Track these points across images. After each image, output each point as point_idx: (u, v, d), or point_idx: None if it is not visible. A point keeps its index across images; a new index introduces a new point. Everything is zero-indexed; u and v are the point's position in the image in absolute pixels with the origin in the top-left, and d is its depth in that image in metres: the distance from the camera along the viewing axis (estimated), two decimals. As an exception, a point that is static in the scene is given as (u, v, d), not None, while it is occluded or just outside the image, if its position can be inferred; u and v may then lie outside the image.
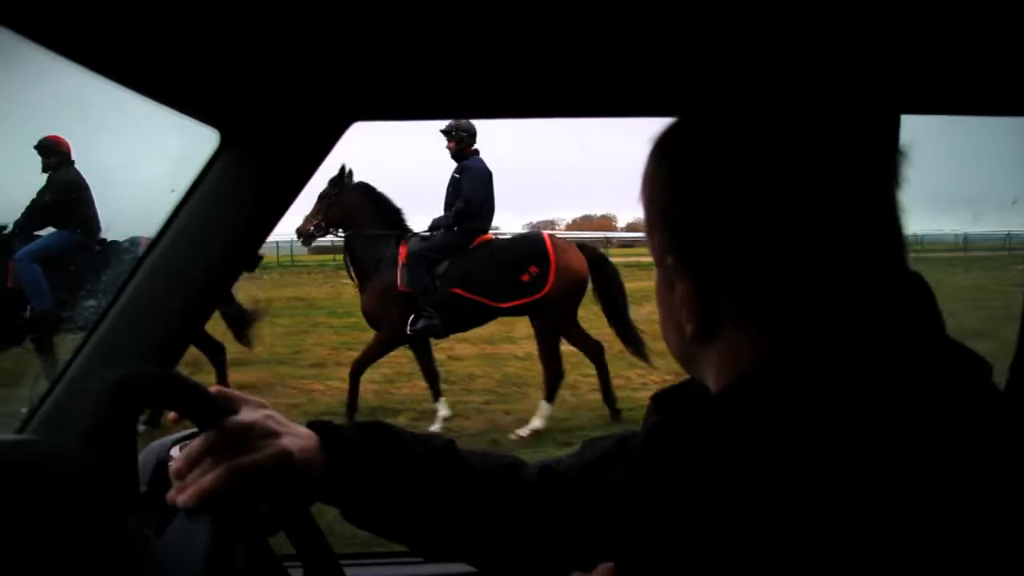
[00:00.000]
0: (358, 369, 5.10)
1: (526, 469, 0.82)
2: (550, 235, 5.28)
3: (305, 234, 5.44)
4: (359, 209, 5.29)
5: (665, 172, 0.58)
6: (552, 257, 4.89)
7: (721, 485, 0.47)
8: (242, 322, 5.47)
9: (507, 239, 5.44)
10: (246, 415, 0.69)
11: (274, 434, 0.70)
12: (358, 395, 5.07)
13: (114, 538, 0.52)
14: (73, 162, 5.34)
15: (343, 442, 0.73)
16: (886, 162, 0.55)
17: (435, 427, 4.86)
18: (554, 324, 5.00)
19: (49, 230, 5.21)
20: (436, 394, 5.13)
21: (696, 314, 0.56)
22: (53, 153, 5.27)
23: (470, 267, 4.97)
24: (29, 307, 4.96)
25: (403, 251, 5.07)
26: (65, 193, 5.22)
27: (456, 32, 0.71)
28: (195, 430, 0.89)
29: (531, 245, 5.03)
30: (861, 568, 0.42)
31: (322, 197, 5.36)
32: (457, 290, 4.93)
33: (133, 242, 5.17)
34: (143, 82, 0.77)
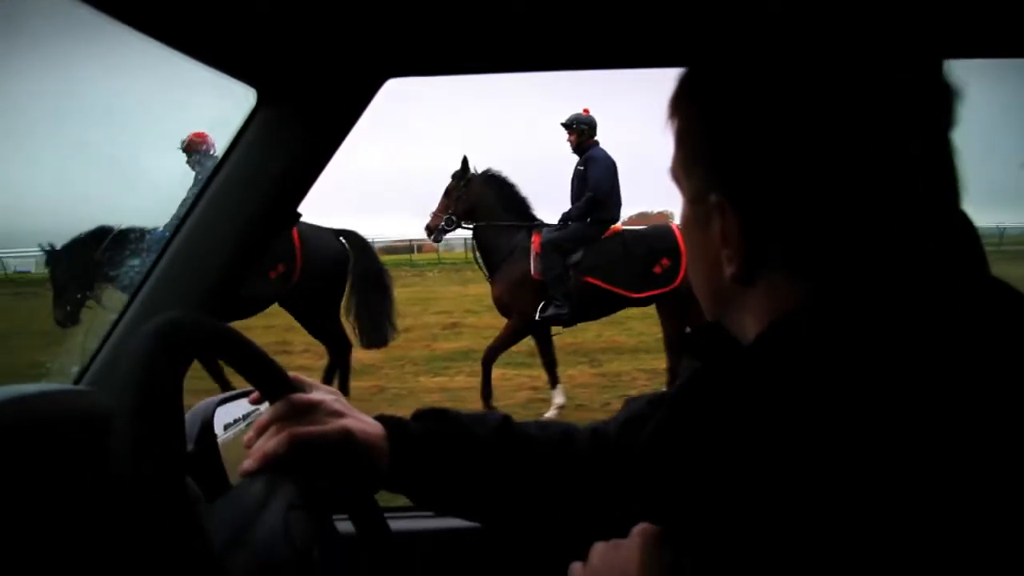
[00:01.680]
0: (490, 357, 5.18)
1: (580, 434, 0.82)
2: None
3: (436, 230, 5.51)
4: (488, 200, 5.35)
5: (709, 106, 0.55)
6: (683, 250, 4.91)
7: (768, 431, 0.46)
8: (379, 320, 5.44)
9: (638, 230, 5.52)
10: (315, 395, 0.72)
11: (339, 414, 0.72)
12: (490, 383, 5.13)
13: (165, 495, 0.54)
14: (216, 156, 5.36)
15: (408, 434, 0.75)
16: (938, 99, 0.52)
17: (550, 414, 4.94)
18: (682, 315, 5.05)
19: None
20: (554, 381, 5.23)
21: (740, 253, 0.54)
22: (197, 151, 5.21)
23: (603, 257, 5.07)
24: None
25: (536, 241, 5.15)
26: None
27: None
28: (239, 390, 0.92)
29: (663, 238, 5.08)
30: (907, 514, 0.41)
31: (448, 192, 5.44)
32: (590, 279, 5.03)
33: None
34: (182, 40, 0.78)
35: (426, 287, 15.37)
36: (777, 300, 0.53)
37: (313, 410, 0.71)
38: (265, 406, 0.89)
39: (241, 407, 0.94)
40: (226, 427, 0.91)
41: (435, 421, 0.77)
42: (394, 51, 0.89)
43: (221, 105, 0.92)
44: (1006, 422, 0.42)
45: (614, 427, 0.82)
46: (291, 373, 0.74)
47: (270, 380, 0.72)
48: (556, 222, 5.28)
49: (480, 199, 5.36)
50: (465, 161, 5.41)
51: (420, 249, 25.07)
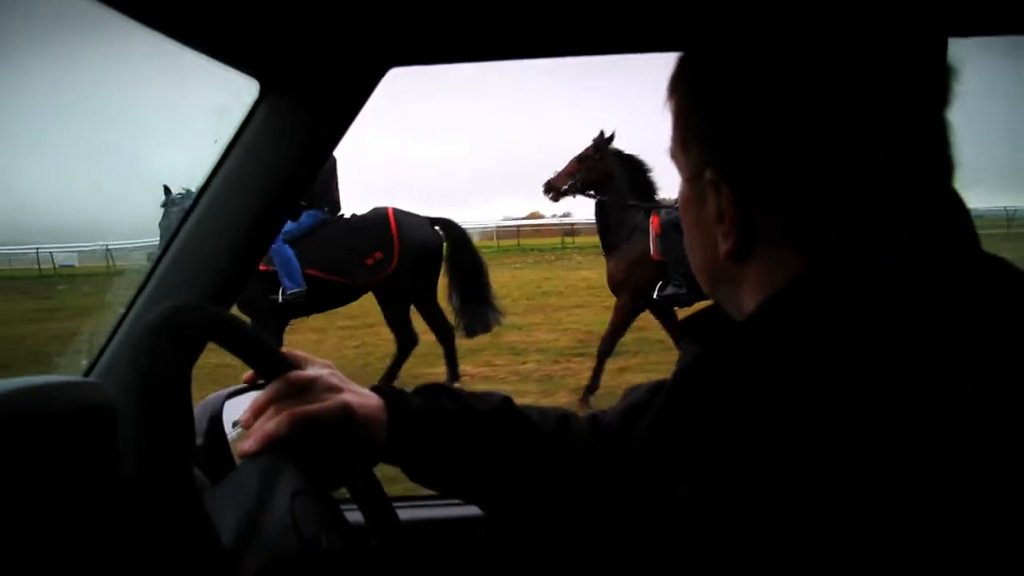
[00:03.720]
0: (608, 344, 5.14)
1: (577, 421, 0.82)
2: None
3: (556, 190, 5.45)
4: (617, 176, 5.31)
5: (706, 84, 0.56)
6: None
7: (764, 406, 0.46)
8: (481, 309, 5.41)
9: None
10: (311, 371, 0.72)
11: (336, 389, 0.72)
12: (600, 375, 5.04)
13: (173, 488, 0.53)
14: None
15: (407, 405, 0.74)
16: (932, 77, 0.53)
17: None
18: None
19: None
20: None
21: (735, 230, 0.54)
22: None
23: None
24: (282, 289, 5.02)
25: (655, 221, 5.12)
26: (325, 173, 5.25)
27: None
28: (247, 384, 0.92)
29: None
30: (908, 492, 0.40)
31: (581, 159, 5.39)
32: None
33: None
34: (185, 32, 0.78)
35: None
36: (772, 276, 0.53)
37: (311, 386, 0.71)
38: None
39: (250, 401, 0.94)
40: (234, 424, 0.91)
41: (436, 396, 0.77)
42: (396, 40, 0.89)
43: (224, 97, 0.93)
44: (1002, 396, 0.42)
45: (613, 417, 0.82)
46: (285, 350, 0.73)
47: (265, 360, 0.72)
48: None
49: (610, 173, 5.30)
50: (602, 134, 5.36)
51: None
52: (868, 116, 0.50)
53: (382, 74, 0.91)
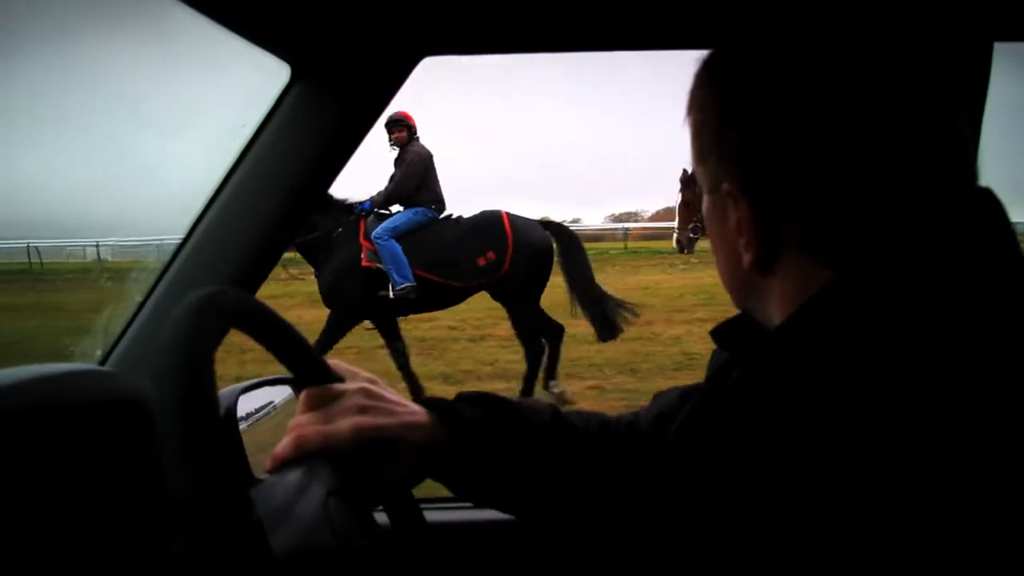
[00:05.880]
0: None
1: (616, 425, 0.80)
2: None
3: (685, 242, 5.62)
4: None
5: (722, 96, 0.56)
6: None
7: (798, 417, 0.46)
8: (606, 312, 5.22)
9: None
10: (352, 383, 0.69)
11: (366, 409, 0.67)
12: None
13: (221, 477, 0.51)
14: (419, 137, 5.28)
15: (463, 419, 0.71)
16: (959, 86, 0.53)
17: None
18: None
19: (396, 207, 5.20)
20: None
21: (755, 242, 0.54)
22: (405, 127, 5.19)
23: None
24: (391, 286, 4.91)
25: None
26: (421, 168, 5.17)
27: None
28: (262, 378, 0.89)
29: None
30: (944, 494, 0.40)
31: (687, 203, 5.49)
32: None
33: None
34: (219, 10, 0.76)
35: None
36: (798, 286, 0.53)
37: (337, 403, 0.67)
38: (280, 397, 0.87)
39: (262, 397, 0.91)
40: (242, 418, 0.88)
41: (489, 406, 0.73)
42: (430, 29, 0.87)
43: (254, 79, 0.90)
44: None
45: (645, 420, 0.81)
46: (331, 360, 0.70)
47: (308, 365, 0.69)
48: None
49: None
50: (684, 172, 5.45)
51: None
52: (886, 123, 0.50)
53: (416, 62, 0.89)
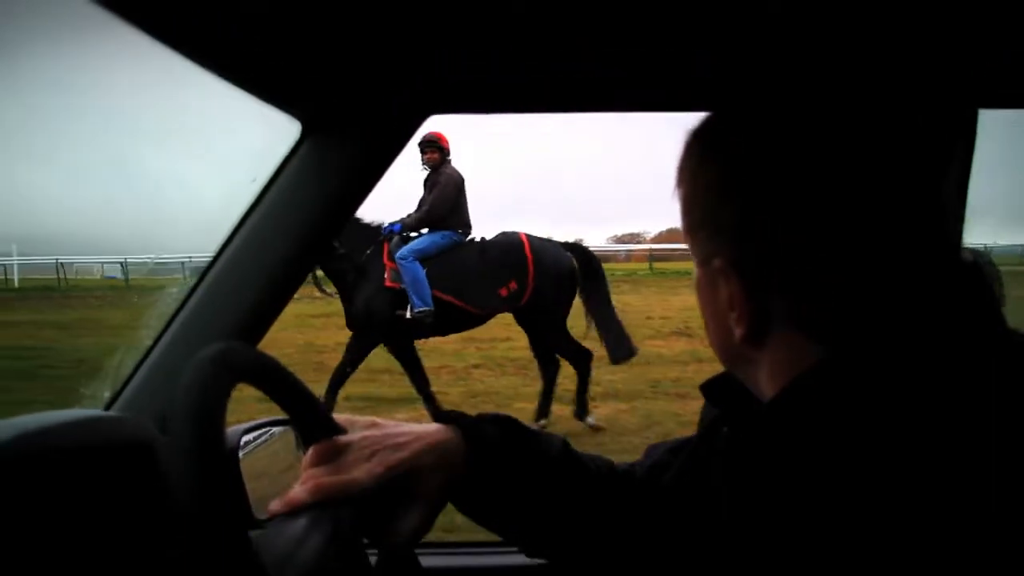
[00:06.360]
0: None
1: (620, 469, 0.80)
2: None
3: None
4: None
5: (713, 171, 0.56)
6: None
7: (787, 492, 0.46)
8: (620, 334, 5.19)
9: None
10: (353, 433, 0.69)
11: (372, 455, 0.67)
12: None
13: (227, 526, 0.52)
14: (451, 159, 5.27)
15: (483, 435, 0.71)
16: (947, 157, 0.54)
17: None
18: None
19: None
20: None
21: (746, 317, 0.54)
22: (438, 149, 5.19)
23: None
24: (409, 307, 4.92)
25: None
26: (455, 192, 5.18)
27: (530, 25, 0.71)
28: (265, 419, 0.91)
29: None
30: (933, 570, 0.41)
31: None
32: None
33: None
34: (231, 70, 0.79)
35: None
36: (789, 360, 0.53)
37: (347, 452, 0.68)
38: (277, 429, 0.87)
39: (266, 437, 0.93)
40: (241, 445, 0.89)
41: (507, 427, 0.73)
42: (437, 88, 0.90)
43: (266, 135, 0.93)
44: None
45: (641, 469, 0.81)
46: (336, 416, 0.71)
47: (311, 421, 0.70)
48: None
49: None
50: None
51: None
52: (878, 200, 0.50)
53: (423, 120, 0.92)
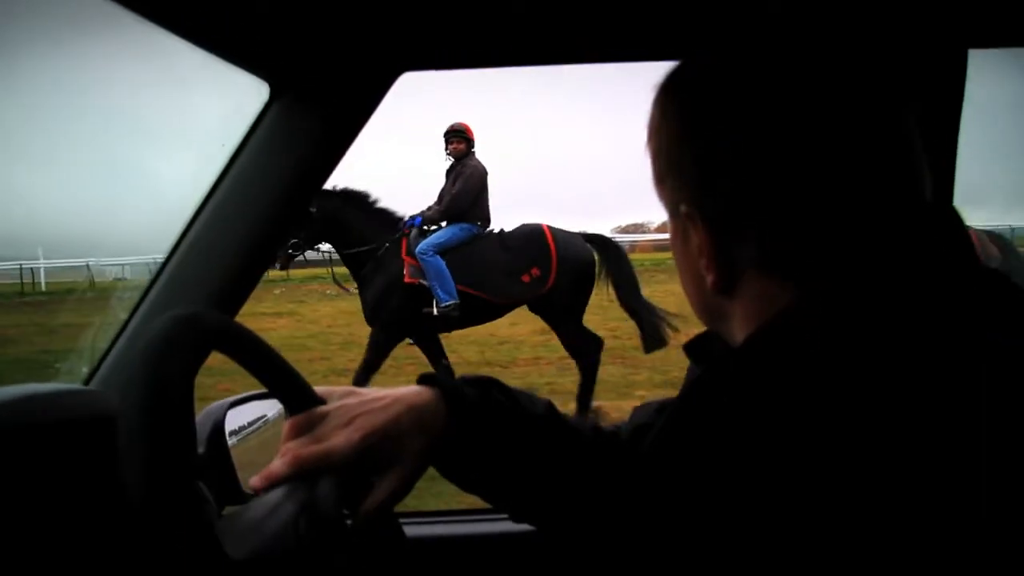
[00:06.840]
0: None
1: (608, 431, 0.80)
2: None
3: None
4: None
5: (675, 117, 0.56)
6: None
7: (760, 437, 0.45)
8: (652, 322, 5.13)
9: None
10: (331, 403, 0.68)
11: (350, 422, 0.66)
12: None
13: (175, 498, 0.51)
14: (475, 151, 5.22)
15: (463, 397, 0.70)
16: (905, 89, 0.53)
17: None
18: None
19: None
20: None
21: (715, 263, 0.54)
22: (464, 140, 5.15)
23: None
24: (435, 302, 4.88)
25: None
26: (479, 184, 5.14)
27: None
28: (252, 393, 0.90)
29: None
30: (903, 513, 0.40)
31: None
32: None
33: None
34: (196, 32, 0.77)
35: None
36: (760, 307, 0.53)
37: (325, 421, 0.67)
38: (271, 411, 0.87)
39: (251, 411, 0.92)
40: (232, 433, 0.88)
41: (488, 390, 0.72)
42: (408, 44, 0.88)
43: (233, 99, 0.91)
44: (1002, 414, 0.42)
45: (625, 431, 0.81)
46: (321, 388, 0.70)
47: (292, 391, 0.69)
48: None
49: None
50: None
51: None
52: (844, 138, 0.50)
53: (394, 78, 0.90)
